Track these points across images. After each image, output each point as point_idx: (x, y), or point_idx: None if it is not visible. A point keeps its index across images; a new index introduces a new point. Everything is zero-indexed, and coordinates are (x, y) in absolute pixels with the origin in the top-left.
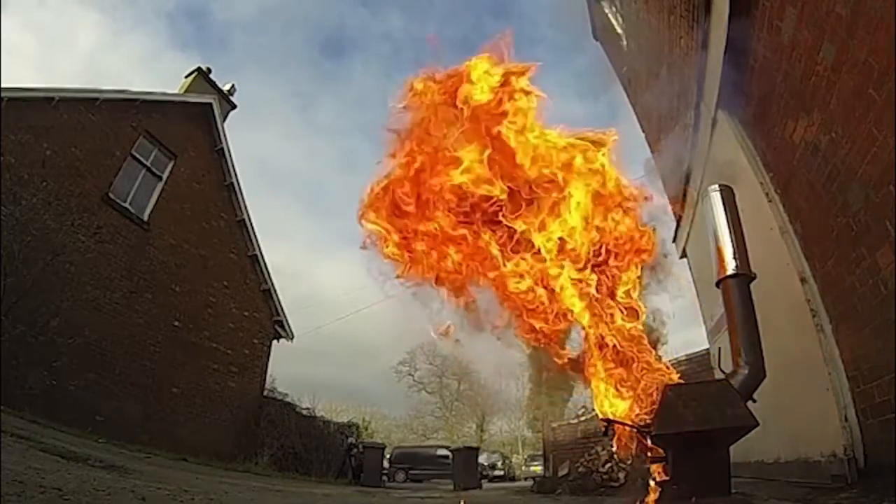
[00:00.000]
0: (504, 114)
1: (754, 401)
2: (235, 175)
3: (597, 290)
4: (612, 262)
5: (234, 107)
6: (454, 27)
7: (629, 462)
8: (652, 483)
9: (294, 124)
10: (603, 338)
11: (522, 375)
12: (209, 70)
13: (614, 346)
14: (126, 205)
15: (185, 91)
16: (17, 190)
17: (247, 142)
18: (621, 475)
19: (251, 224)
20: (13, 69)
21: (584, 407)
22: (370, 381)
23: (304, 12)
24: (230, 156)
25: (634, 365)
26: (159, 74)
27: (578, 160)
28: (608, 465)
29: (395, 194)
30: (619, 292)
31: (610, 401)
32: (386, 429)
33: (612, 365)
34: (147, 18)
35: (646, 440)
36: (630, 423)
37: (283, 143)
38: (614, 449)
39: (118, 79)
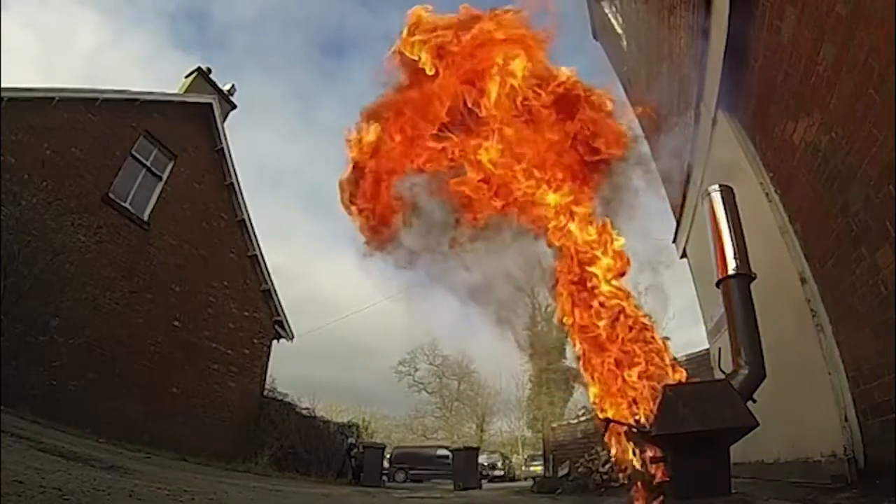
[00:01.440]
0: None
1: (754, 401)
2: (235, 175)
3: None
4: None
5: (234, 107)
6: None
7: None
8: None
9: (295, 124)
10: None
11: (522, 375)
12: (209, 70)
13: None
14: (126, 205)
15: (185, 91)
16: (17, 190)
17: (248, 142)
18: (621, 475)
19: (251, 224)
20: (13, 69)
21: (584, 407)
22: (370, 381)
23: (304, 13)
24: (230, 156)
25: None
26: (160, 75)
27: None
28: (608, 465)
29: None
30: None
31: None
32: (386, 429)
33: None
34: (148, 18)
35: (643, 439)
36: (630, 422)
37: (284, 143)
38: (612, 452)
39: (119, 79)
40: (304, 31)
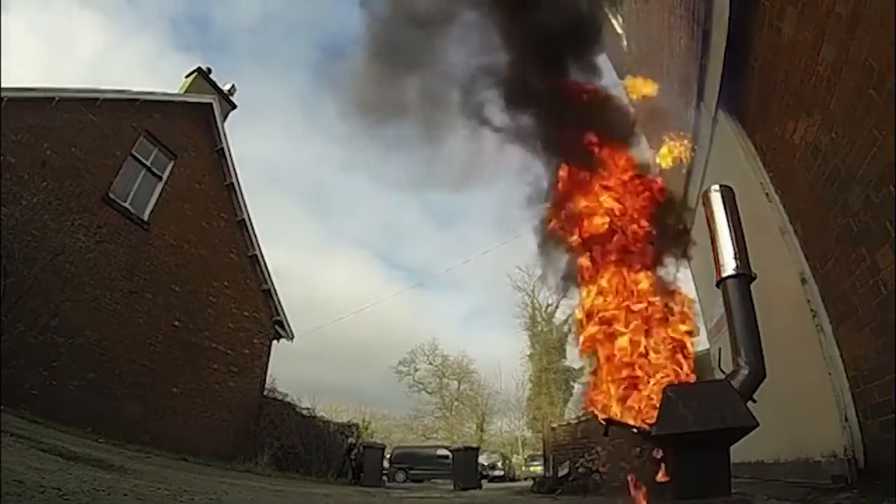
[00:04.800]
0: None
1: (754, 401)
2: (235, 175)
3: None
4: None
5: (234, 107)
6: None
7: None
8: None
9: (297, 126)
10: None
11: (523, 376)
12: (209, 70)
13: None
14: (126, 205)
15: (186, 91)
16: (17, 190)
17: (249, 143)
18: (621, 475)
19: (251, 224)
20: (17, 72)
21: (584, 407)
22: (370, 382)
23: (305, 16)
24: (230, 156)
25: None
26: (163, 77)
27: None
28: (608, 465)
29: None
30: None
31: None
32: (386, 429)
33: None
34: (150, 21)
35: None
36: (631, 423)
37: (286, 144)
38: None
39: (122, 82)
40: (305, 34)
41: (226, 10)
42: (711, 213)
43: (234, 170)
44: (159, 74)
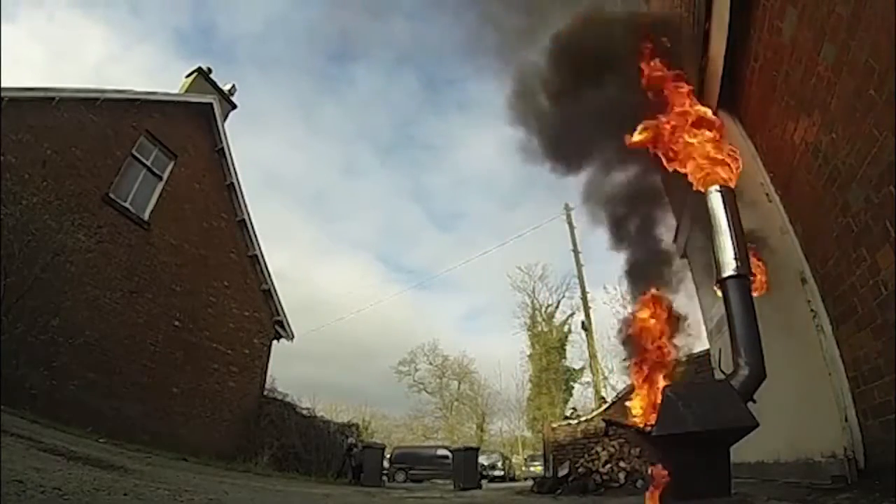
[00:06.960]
0: None
1: (754, 401)
2: (236, 175)
3: None
4: None
5: (234, 107)
6: (458, 31)
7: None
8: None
9: (299, 131)
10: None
11: (523, 376)
12: (209, 70)
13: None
14: (126, 205)
15: (186, 91)
16: (17, 190)
17: (251, 147)
18: (621, 475)
19: (251, 224)
20: (22, 80)
21: (582, 407)
22: (370, 382)
23: (307, 21)
24: (230, 156)
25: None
26: (167, 85)
27: None
28: (608, 465)
29: None
30: None
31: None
32: (386, 429)
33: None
34: (155, 31)
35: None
36: (630, 423)
37: (289, 149)
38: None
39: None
40: (307, 39)
41: (230, 19)
42: (712, 213)
43: (235, 170)
44: (162, 84)
